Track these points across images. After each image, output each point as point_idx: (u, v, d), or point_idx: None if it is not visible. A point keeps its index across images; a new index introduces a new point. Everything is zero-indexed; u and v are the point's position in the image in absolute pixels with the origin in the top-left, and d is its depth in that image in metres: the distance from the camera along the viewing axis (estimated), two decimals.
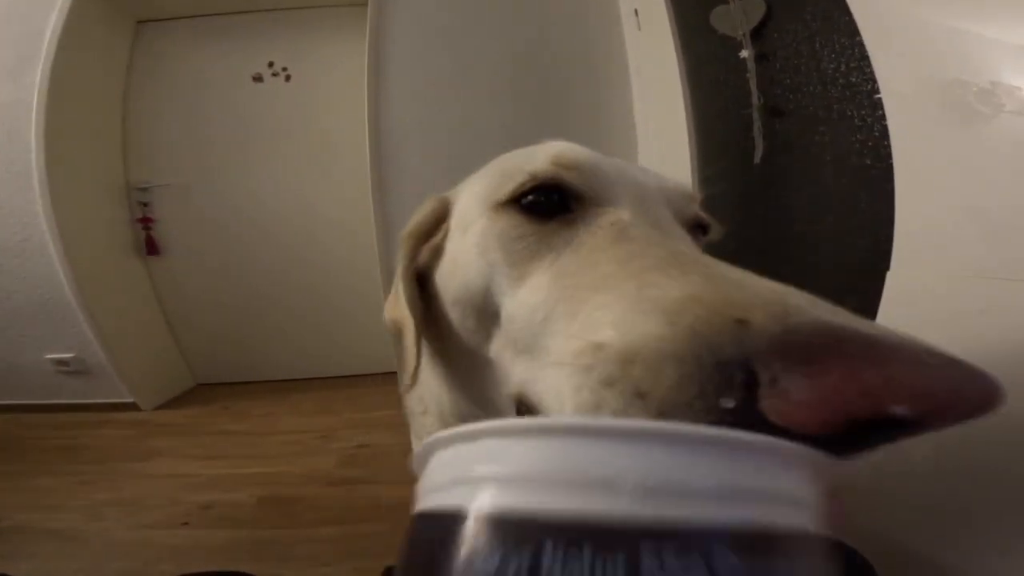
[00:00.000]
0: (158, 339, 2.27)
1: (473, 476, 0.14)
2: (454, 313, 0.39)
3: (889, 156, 0.90)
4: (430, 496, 0.15)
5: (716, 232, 0.45)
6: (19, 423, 1.90)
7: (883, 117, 0.94)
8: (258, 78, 2.24)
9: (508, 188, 0.37)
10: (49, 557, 1.11)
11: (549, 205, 0.35)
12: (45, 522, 1.25)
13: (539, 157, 0.37)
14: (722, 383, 0.18)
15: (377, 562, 0.83)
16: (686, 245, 0.32)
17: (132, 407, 2.01)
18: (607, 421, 0.15)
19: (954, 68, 0.76)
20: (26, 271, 1.85)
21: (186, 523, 1.23)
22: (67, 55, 1.80)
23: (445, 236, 0.43)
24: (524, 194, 0.36)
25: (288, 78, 2.25)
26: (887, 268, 0.87)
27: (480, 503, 0.13)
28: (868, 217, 1.11)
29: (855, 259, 1.19)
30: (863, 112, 1.10)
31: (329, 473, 1.46)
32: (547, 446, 0.14)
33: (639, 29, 1.83)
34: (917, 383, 0.17)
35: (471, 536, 0.13)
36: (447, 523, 0.14)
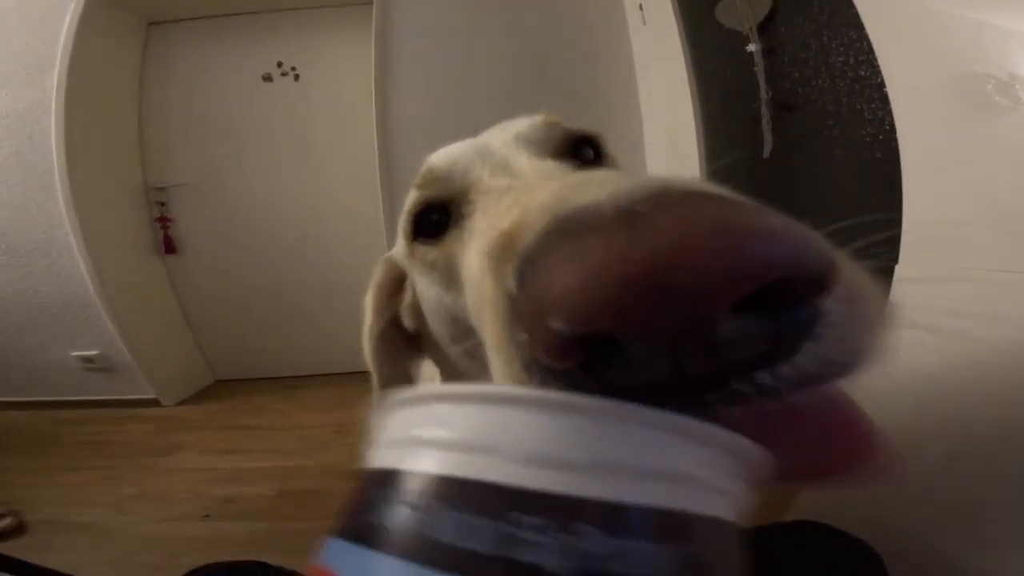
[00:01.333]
0: (178, 336, 2.32)
1: (388, 440, 0.15)
2: (450, 350, 0.40)
3: (899, 149, 0.89)
4: (375, 454, 0.16)
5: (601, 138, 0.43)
6: (48, 419, 1.97)
7: (892, 110, 0.93)
8: (268, 78, 2.26)
9: (404, 230, 0.39)
10: (79, 549, 1.16)
11: (439, 221, 0.36)
12: (74, 516, 1.30)
13: (410, 192, 0.39)
14: (515, 315, 0.16)
15: None
16: (544, 170, 0.32)
17: (154, 403, 2.07)
18: (489, 388, 0.14)
19: (970, 60, 0.74)
20: (52, 270, 1.90)
21: (208, 516, 1.27)
22: (82, 58, 1.84)
23: (412, 289, 0.43)
24: (416, 229, 0.37)
25: (297, 77, 2.27)
26: (896, 261, 0.86)
27: (398, 464, 0.14)
28: (878, 210, 1.10)
29: (866, 253, 1.18)
30: (873, 105, 1.08)
31: (344, 466, 1.49)
32: (448, 412, 0.14)
33: (644, 24, 1.81)
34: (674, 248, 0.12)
35: (388, 494, 0.14)
36: (375, 481, 0.15)
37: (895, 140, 0.99)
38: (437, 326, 0.40)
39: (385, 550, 0.13)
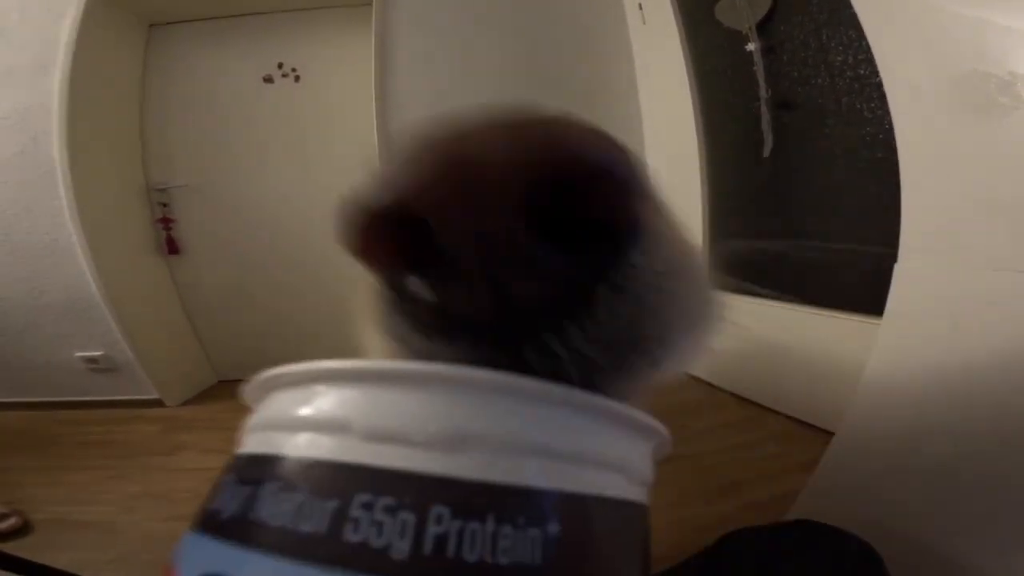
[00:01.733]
0: (181, 337, 2.33)
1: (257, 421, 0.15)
2: None
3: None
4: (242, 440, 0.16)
5: None
6: (53, 420, 1.98)
7: None
8: (268, 79, 2.26)
9: None
10: (85, 548, 1.16)
11: None
12: (80, 515, 1.30)
13: None
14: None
15: None
16: None
17: (158, 403, 2.08)
18: (343, 363, 0.14)
19: (972, 59, 0.74)
20: (56, 271, 1.91)
21: None
22: (84, 60, 1.84)
23: None
24: None
25: (297, 78, 2.27)
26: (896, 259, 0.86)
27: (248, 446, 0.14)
28: (878, 208, 1.10)
29: (866, 251, 1.18)
30: (872, 104, 1.09)
31: None
32: (291, 392, 0.14)
33: (644, 23, 1.81)
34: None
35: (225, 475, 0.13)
36: (227, 465, 0.15)
37: (893, 138, 0.99)
38: None
39: (214, 536, 0.12)
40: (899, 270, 0.85)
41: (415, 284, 0.14)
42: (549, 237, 0.13)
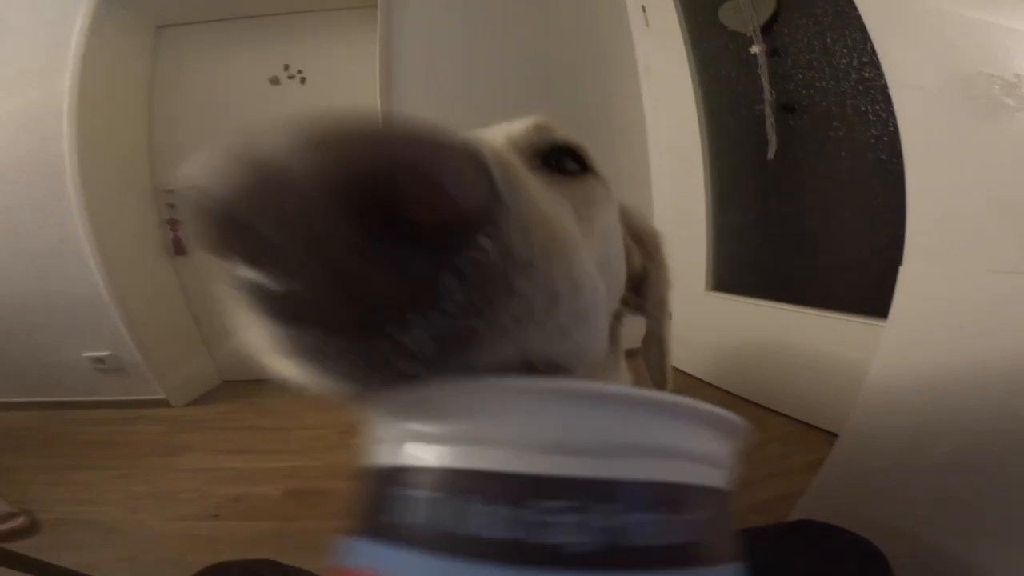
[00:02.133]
0: (187, 338, 2.34)
1: (399, 435, 0.15)
2: None
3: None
4: (377, 450, 0.16)
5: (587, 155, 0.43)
6: (60, 419, 1.99)
7: None
8: (275, 81, 2.28)
9: None
10: (91, 548, 1.17)
11: None
12: (85, 514, 1.31)
13: None
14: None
15: None
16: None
17: (163, 404, 2.09)
18: (507, 381, 0.15)
19: (976, 61, 0.74)
20: (64, 271, 1.92)
21: (217, 515, 1.28)
22: (93, 61, 1.87)
23: None
24: None
25: (303, 80, 2.28)
26: (902, 261, 0.86)
27: (421, 460, 0.14)
28: (883, 212, 1.10)
29: (870, 254, 1.17)
30: (877, 107, 1.08)
31: (350, 467, 1.50)
32: (454, 406, 0.14)
33: (647, 26, 1.81)
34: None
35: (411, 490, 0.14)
36: (386, 476, 0.15)
37: (900, 141, 0.99)
38: None
39: (399, 544, 0.13)
40: (904, 272, 0.85)
41: (259, 276, 0.14)
42: (381, 235, 0.13)
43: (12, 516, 1.26)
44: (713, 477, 0.15)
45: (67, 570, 0.85)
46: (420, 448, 0.14)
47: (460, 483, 0.13)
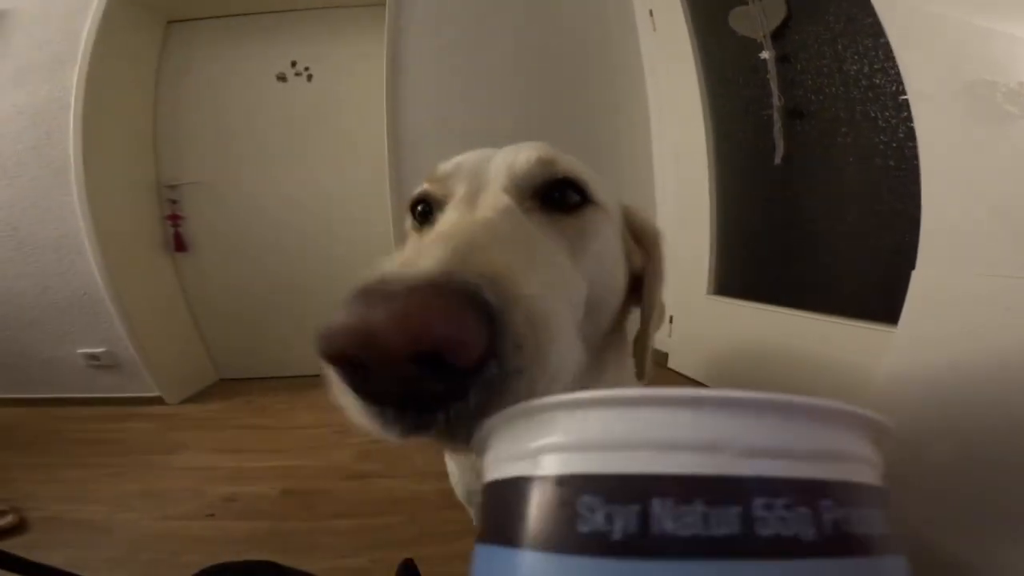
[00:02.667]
0: (184, 334, 2.33)
1: (538, 447, 0.16)
2: None
3: (914, 157, 0.89)
4: (508, 464, 0.17)
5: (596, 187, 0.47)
6: (52, 416, 1.97)
7: (908, 118, 0.93)
8: (282, 77, 2.28)
9: (408, 208, 0.49)
10: (82, 547, 1.15)
11: (428, 213, 0.47)
12: (77, 513, 1.29)
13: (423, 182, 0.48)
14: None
15: (394, 552, 0.85)
16: (482, 213, 0.37)
17: (158, 401, 2.07)
18: (681, 391, 0.16)
19: (981, 68, 0.75)
20: (62, 266, 1.91)
21: (211, 515, 1.26)
22: (102, 55, 1.87)
23: None
24: (413, 209, 0.48)
25: (310, 77, 2.29)
26: (911, 268, 0.86)
27: (573, 467, 0.15)
28: (890, 218, 1.10)
29: (876, 259, 1.17)
30: (887, 114, 1.08)
31: (347, 467, 1.49)
32: (636, 415, 0.15)
33: (654, 30, 1.82)
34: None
35: (584, 497, 0.15)
36: (518, 487, 0.16)
37: (908, 148, 0.99)
38: None
39: (604, 555, 0.13)
40: (916, 277, 0.85)
41: (359, 381, 0.23)
42: (430, 368, 0.21)
43: (1, 514, 1.24)
44: (876, 477, 0.16)
45: (56, 569, 0.83)
46: (623, 456, 0.15)
47: (681, 488, 0.14)
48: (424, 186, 0.47)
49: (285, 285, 2.35)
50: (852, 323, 1.17)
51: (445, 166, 0.46)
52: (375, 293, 0.22)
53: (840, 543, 0.14)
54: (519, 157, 0.44)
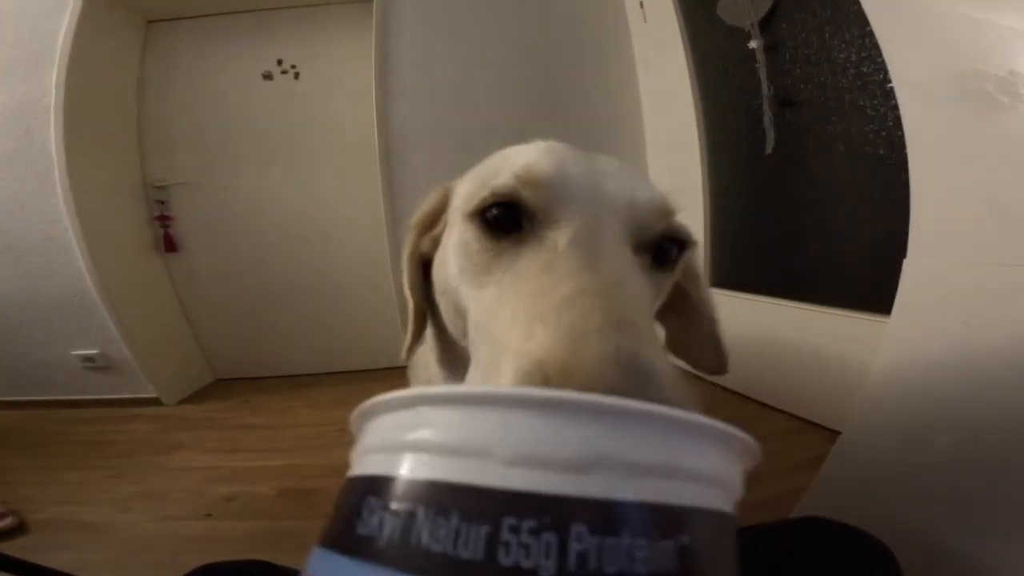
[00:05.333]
0: (178, 335, 2.32)
1: (369, 446, 0.15)
2: (442, 302, 0.43)
3: (903, 146, 0.89)
4: (359, 460, 0.16)
5: (695, 246, 0.44)
6: (49, 419, 1.97)
7: (896, 107, 0.93)
8: (268, 76, 2.25)
9: (475, 200, 0.38)
10: (81, 548, 1.15)
11: (509, 220, 0.36)
12: (76, 515, 1.29)
13: (504, 172, 0.38)
14: None
15: None
16: (614, 271, 0.32)
17: (155, 402, 2.07)
18: (487, 389, 0.14)
19: (971, 57, 0.75)
20: (51, 269, 1.89)
21: (209, 515, 1.26)
22: (82, 55, 1.83)
23: (444, 228, 0.45)
24: (487, 209, 0.37)
25: (297, 76, 2.26)
26: (902, 256, 0.87)
27: (370, 470, 0.14)
28: (882, 206, 1.10)
29: (868, 249, 1.18)
30: (875, 102, 1.08)
31: (345, 465, 1.48)
32: (441, 415, 0.14)
33: (645, 21, 1.81)
34: None
35: (362, 499, 0.14)
36: (350, 488, 0.15)
37: (897, 136, 0.99)
38: (440, 284, 0.43)
39: (373, 561, 0.12)
40: (907, 266, 0.85)
41: None
42: None
43: (0, 516, 1.24)
44: (715, 499, 0.14)
45: (56, 571, 0.83)
46: (397, 458, 0.14)
47: (432, 496, 0.13)
48: (510, 183, 0.37)
49: (277, 284, 2.35)
50: (847, 314, 1.18)
51: (543, 168, 0.37)
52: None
53: None
54: (639, 197, 0.38)
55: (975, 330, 0.72)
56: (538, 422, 0.13)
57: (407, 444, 0.14)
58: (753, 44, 1.31)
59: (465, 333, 0.38)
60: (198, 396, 2.24)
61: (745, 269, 1.61)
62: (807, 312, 1.29)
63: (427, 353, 0.56)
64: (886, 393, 0.84)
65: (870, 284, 1.12)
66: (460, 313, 0.38)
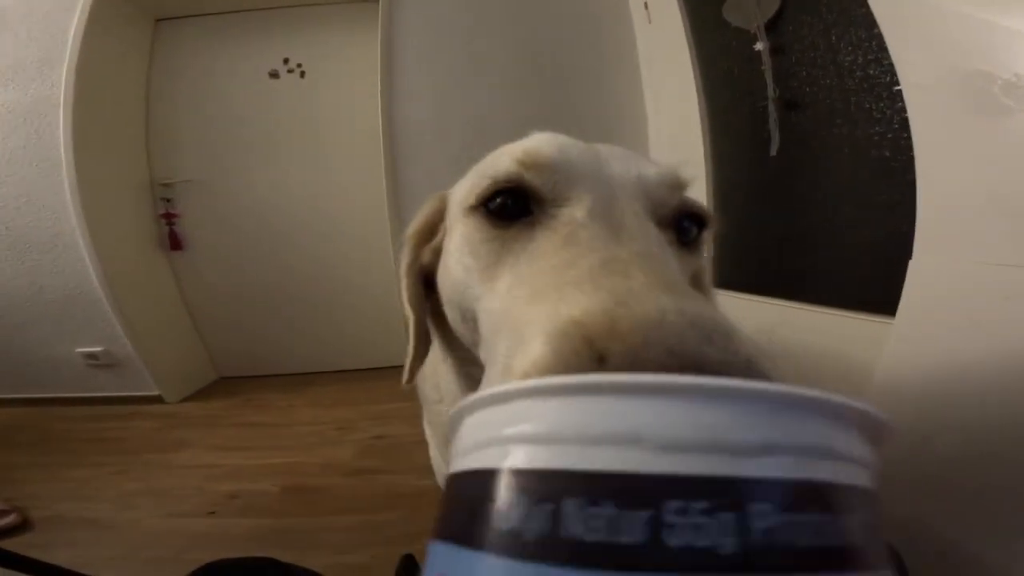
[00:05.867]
0: (182, 333, 2.33)
1: (503, 437, 0.14)
2: (450, 313, 0.40)
3: (908, 148, 0.89)
4: (465, 458, 0.15)
5: (715, 222, 0.43)
6: (53, 416, 1.98)
7: (902, 109, 0.93)
8: (274, 74, 2.27)
9: (476, 192, 0.36)
10: (85, 545, 1.16)
11: (514, 208, 0.35)
12: (80, 512, 1.30)
13: (504, 159, 0.36)
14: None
15: (395, 548, 0.86)
16: (642, 243, 0.30)
17: (158, 400, 2.08)
18: (633, 376, 0.14)
19: (977, 60, 0.75)
20: (57, 266, 1.91)
21: (213, 512, 1.27)
22: (91, 53, 1.85)
23: (443, 236, 0.43)
24: (489, 198, 0.36)
25: (303, 74, 2.27)
26: (907, 258, 0.86)
27: (510, 462, 0.14)
28: (886, 209, 1.10)
29: (873, 251, 1.17)
30: (881, 104, 1.08)
31: (348, 463, 1.50)
32: (573, 404, 0.14)
33: (649, 22, 1.81)
34: None
35: (500, 493, 0.13)
36: (480, 482, 0.14)
37: (903, 139, 0.99)
38: (447, 293, 0.40)
39: (515, 556, 0.12)
40: (913, 267, 0.85)
41: None
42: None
43: (4, 513, 1.25)
44: (860, 476, 0.14)
45: (61, 568, 0.84)
46: (535, 448, 0.14)
47: (586, 486, 0.12)
48: (512, 167, 0.35)
49: (282, 283, 2.36)
50: (851, 315, 1.18)
51: (547, 151, 0.36)
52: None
53: (772, 557, 0.11)
54: (648, 172, 0.37)
55: (981, 331, 0.72)
56: (689, 408, 0.13)
57: (538, 434, 0.14)
58: (759, 46, 1.31)
59: (477, 343, 0.35)
60: (202, 394, 2.25)
61: (747, 269, 1.61)
62: (810, 313, 1.29)
63: (435, 373, 0.55)
64: (891, 393, 0.84)
65: (874, 285, 1.12)
66: (470, 319, 0.36)
